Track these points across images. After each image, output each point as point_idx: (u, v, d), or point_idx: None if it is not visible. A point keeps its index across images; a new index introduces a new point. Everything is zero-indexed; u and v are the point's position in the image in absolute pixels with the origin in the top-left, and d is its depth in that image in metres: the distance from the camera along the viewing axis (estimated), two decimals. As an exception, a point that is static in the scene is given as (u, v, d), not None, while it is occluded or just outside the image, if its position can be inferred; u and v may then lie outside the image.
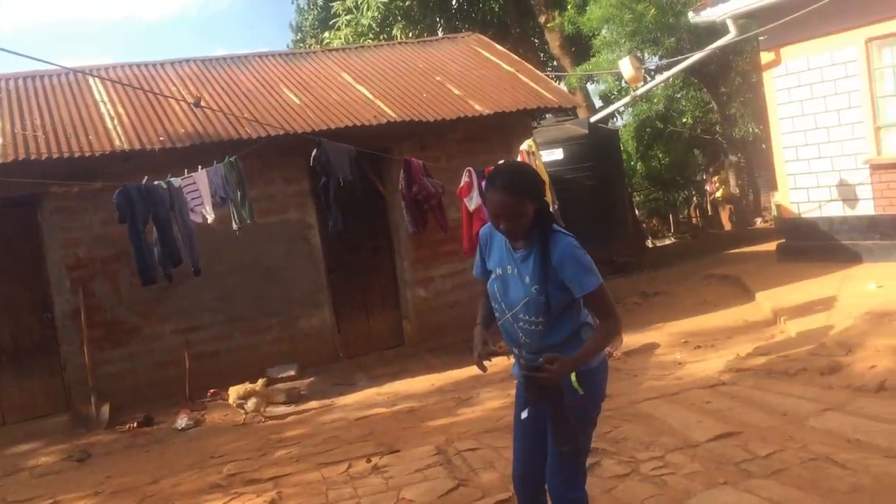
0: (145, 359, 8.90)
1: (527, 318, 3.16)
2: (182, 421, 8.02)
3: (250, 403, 7.80)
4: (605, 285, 3.14)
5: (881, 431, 4.95)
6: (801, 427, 5.27)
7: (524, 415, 3.34)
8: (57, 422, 8.39)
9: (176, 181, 7.42)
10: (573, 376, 3.11)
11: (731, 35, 11.71)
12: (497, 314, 3.29)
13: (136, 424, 8.10)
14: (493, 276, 3.29)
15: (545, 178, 8.98)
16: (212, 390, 8.13)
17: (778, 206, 12.68)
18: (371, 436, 6.76)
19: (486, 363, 3.29)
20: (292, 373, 9.15)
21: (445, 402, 7.64)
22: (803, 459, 4.66)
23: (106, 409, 8.38)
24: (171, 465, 6.74)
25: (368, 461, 5.94)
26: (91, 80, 9.97)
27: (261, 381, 7.99)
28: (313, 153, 8.08)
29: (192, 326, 9.11)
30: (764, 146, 18.85)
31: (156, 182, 7.29)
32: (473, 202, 8.10)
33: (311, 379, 9.04)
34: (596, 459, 5.16)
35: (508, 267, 3.21)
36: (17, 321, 8.59)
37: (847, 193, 10.62)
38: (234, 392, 7.86)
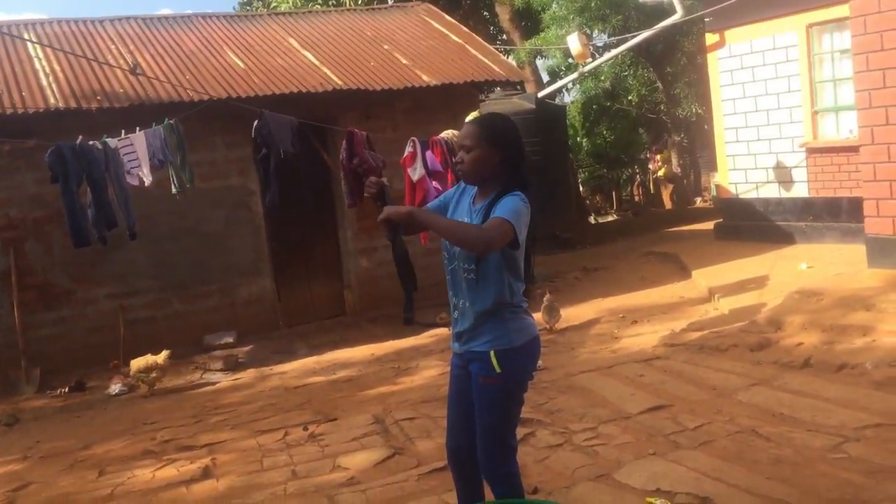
0: (78, 323, 8.71)
1: (463, 265, 3.14)
2: (115, 387, 7.88)
3: (152, 375, 7.64)
4: (511, 230, 2.93)
5: (805, 406, 5.12)
6: (729, 401, 5.41)
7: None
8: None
9: (112, 142, 7.22)
10: (492, 354, 3.09)
11: (678, 15, 11.84)
12: (446, 263, 3.26)
13: (67, 389, 7.94)
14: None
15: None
16: (114, 361, 7.97)
17: (717, 186, 12.94)
18: (309, 404, 6.74)
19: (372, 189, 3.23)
20: (231, 340, 9.06)
21: (385, 371, 7.65)
22: (730, 432, 4.79)
23: (36, 373, 8.19)
24: (102, 431, 6.63)
25: (305, 429, 5.92)
26: (26, 34, 9.61)
27: (163, 354, 7.76)
28: (255, 124, 7.92)
29: (127, 291, 8.93)
30: (706, 127, 19.18)
31: (91, 142, 7.08)
32: (417, 172, 8.06)
33: (250, 346, 8.97)
34: (530, 430, 5.23)
35: (465, 218, 3.19)
36: (-57, 282, 8.32)
37: (783, 176, 10.87)
38: (135, 364, 7.70)
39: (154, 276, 9.07)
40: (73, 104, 8.31)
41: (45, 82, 8.64)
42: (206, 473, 5.21)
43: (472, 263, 3.11)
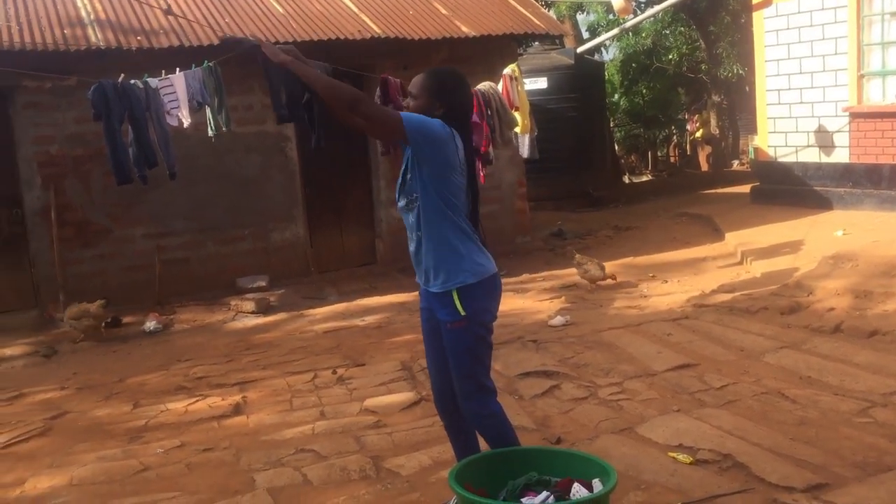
0: (115, 261, 8.85)
1: (404, 199, 3.23)
2: (150, 324, 8.04)
3: (84, 322, 7.71)
4: (397, 116, 3.04)
5: (833, 370, 5.10)
6: (756, 362, 5.41)
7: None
8: (24, 317, 8.37)
9: (153, 82, 7.24)
10: (454, 294, 3.13)
11: (725, -28, 11.52)
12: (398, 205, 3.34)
13: (104, 325, 8.11)
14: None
15: (526, 105, 8.90)
16: (49, 310, 8.04)
17: (755, 149, 12.71)
18: (338, 349, 6.85)
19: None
20: (263, 283, 9.17)
21: (413, 320, 7.69)
22: (756, 393, 4.80)
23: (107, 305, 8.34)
24: (137, 366, 6.80)
25: (334, 372, 6.03)
26: (68, -28, 9.61)
27: (98, 303, 7.79)
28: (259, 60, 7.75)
29: (163, 232, 9.05)
30: (747, 89, 18.77)
31: (132, 81, 7.11)
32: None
33: (282, 291, 9.08)
34: (556, 383, 5.29)
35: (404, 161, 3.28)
36: (-15, 215, 8.48)
37: (824, 140, 10.66)
38: (69, 311, 7.77)
39: (189, 218, 9.18)
40: (113, 43, 8.33)
41: (86, 20, 8.67)
42: (236, 410, 5.35)
43: (410, 194, 3.17)
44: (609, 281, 8.27)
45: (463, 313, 3.14)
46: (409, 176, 3.19)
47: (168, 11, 8.51)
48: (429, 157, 3.09)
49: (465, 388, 3.26)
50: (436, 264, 3.19)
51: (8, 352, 7.49)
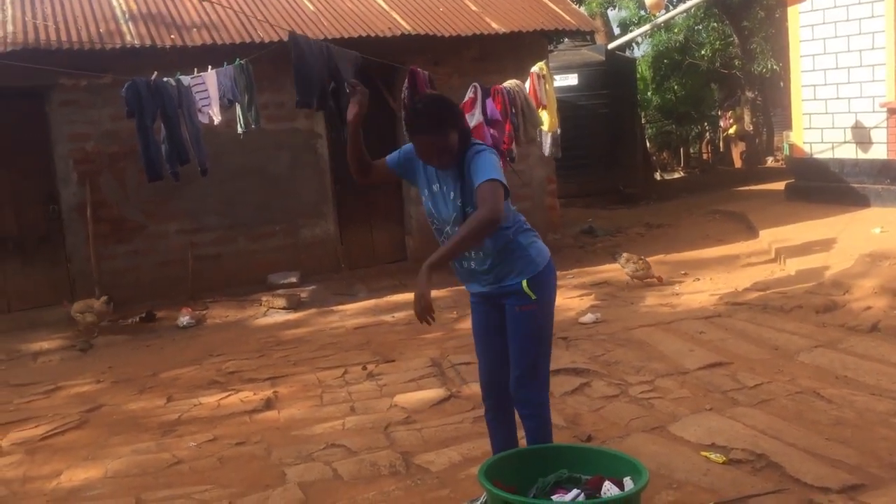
0: (149, 257, 8.96)
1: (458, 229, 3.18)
2: (184, 319, 8.13)
3: (87, 317, 7.84)
4: (501, 185, 3.03)
5: (869, 370, 5.02)
6: (790, 361, 5.34)
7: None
8: (61, 312, 8.49)
9: (185, 79, 7.33)
10: (524, 284, 3.23)
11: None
12: (436, 228, 3.37)
13: (138, 319, 8.22)
14: (424, 195, 3.36)
15: (553, 102, 8.86)
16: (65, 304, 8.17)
17: (790, 146, 12.55)
18: (368, 345, 6.87)
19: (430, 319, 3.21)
20: (294, 280, 9.23)
21: (442, 317, 7.72)
22: (790, 392, 4.74)
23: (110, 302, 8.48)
24: (171, 360, 6.88)
25: (364, 368, 6.05)
26: (103, -29, 9.74)
27: (102, 299, 7.96)
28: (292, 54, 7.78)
29: (196, 228, 9.14)
30: (782, 84, 18.54)
31: (165, 79, 7.20)
32: (474, 119, 7.98)
33: (312, 287, 9.12)
34: (586, 380, 5.26)
35: (435, 186, 3.30)
36: (23, 211, 8.62)
37: (861, 136, 10.49)
38: (76, 305, 7.93)
39: (221, 214, 9.26)
40: (147, 42, 8.43)
41: (121, 19, 8.78)
42: (268, 405, 5.39)
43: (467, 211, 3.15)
44: (654, 280, 8.21)
45: (534, 297, 3.24)
46: (467, 210, 3.16)
47: (203, -1, 8.62)
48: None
49: (524, 373, 3.31)
50: (507, 266, 3.26)
51: (45, 346, 7.62)
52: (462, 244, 3.05)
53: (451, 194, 3.23)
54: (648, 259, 8.65)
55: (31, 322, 8.11)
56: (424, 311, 3.08)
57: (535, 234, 3.37)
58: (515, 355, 3.32)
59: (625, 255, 8.38)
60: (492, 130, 8.13)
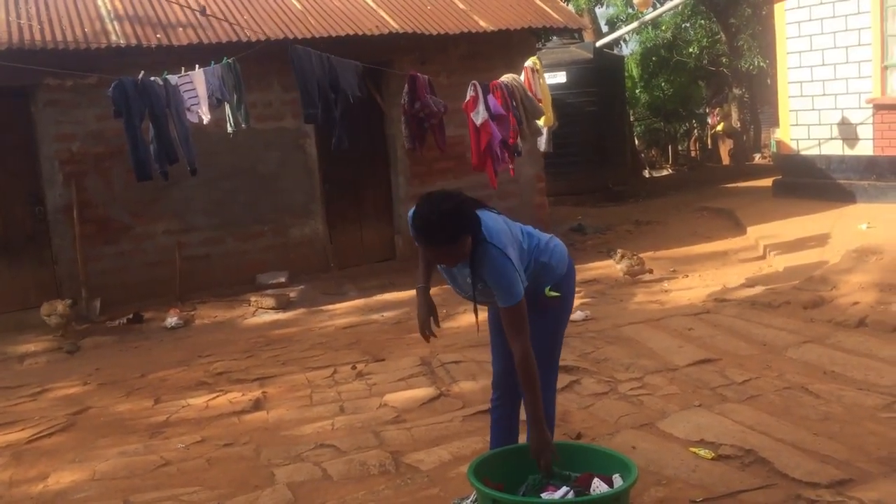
0: (136, 257, 8.91)
1: (483, 299, 3.27)
2: (171, 320, 8.09)
3: (52, 319, 7.84)
4: (521, 306, 3.08)
5: (857, 365, 5.04)
6: (779, 357, 5.36)
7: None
8: (47, 314, 8.45)
9: (173, 79, 7.28)
10: (546, 290, 3.32)
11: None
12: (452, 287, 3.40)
13: (125, 321, 8.18)
14: (440, 266, 3.31)
15: (548, 97, 8.85)
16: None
17: (777, 143, 12.60)
18: (357, 344, 6.86)
19: (431, 334, 3.53)
20: (283, 280, 9.20)
21: (432, 315, 7.71)
22: (778, 388, 4.75)
23: (97, 303, 8.44)
24: (158, 361, 6.85)
25: (353, 368, 6.04)
26: (88, -29, 9.68)
27: (67, 302, 7.94)
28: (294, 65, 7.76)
29: (184, 228, 9.09)
30: (769, 81, 18.61)
31: (152, 78, 7.15)
32: (480, 116, 7.95)
33: (301, 287, 9.09)
34: (576, 378, 5.26)
35: (457, 279, 3.32)
36: (8, 212, 8.55)
37: (847, 132, 10.54)
38: (43, 308, 7.90)
39: (210, 215, 9.21)
40: (133, 41, 8.38)
41: (106, 18, 8.72)
42: (256, 405, 5.37)
43: (490, 297, 3.23)
44: (647, 275, 8.23)
45: (558, 293, 3.36)
46: (480, 286, 3.19)
47: (203, 12, 8.61)
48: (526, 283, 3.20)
49: (545, 369, 3.32)
50: (534, 285, 3.30)
51: (31, 347, 7.57)
52: (536, 396, 3.09)
53: (467, 278, 3.22)
54: (640, 256, 8.70)
55: (18, 324, 8.05)
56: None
57: (549, 238, 3.43)
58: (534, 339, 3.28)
59: (619, 251, 8.39)
60: (497, 126, 8.10)
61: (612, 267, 9.04)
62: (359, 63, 8.13)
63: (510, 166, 8.26)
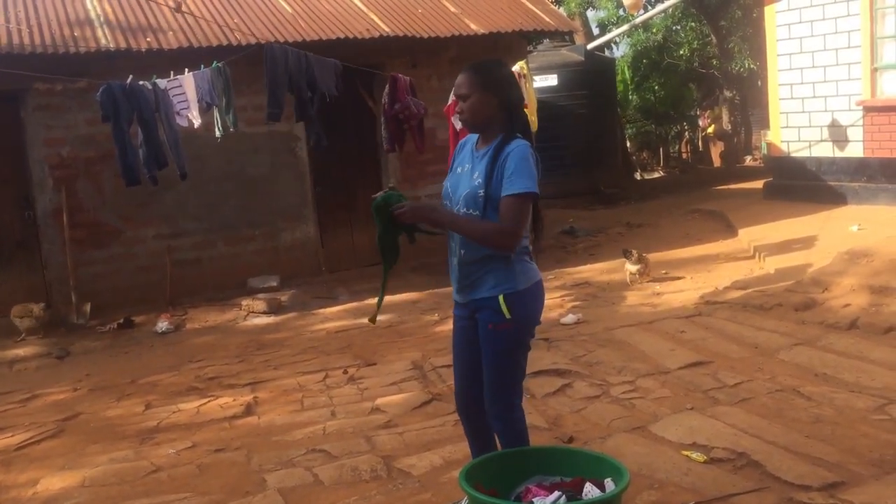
0: (127, 262, 8.88)
1: (465, 210, 3.11)
2: (162, 325, 8.06)
3: (25, 322, 7.87)
4: (530, 198, 3.01)
5: (848, 367, 5.05)
6: (771, 359, 5.37)
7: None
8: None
9: (162, 83, 7.26)
10: (501, 298, 3.09)
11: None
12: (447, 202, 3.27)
13: (115, 326, 8.14)
14: (449, 177, 3.28)
15: (534, 102, 8.86)
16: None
17: (768, 145, 12.63)
18: (349, 348, 6.84)
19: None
20: (274, 284, 9.18)
21: (424, 319, 7.72)
22: (770, 390, 4.76)
23: (87, 308, 8.40)
24: (149, 367, 6.82)
25: (345, 372, 6.02)
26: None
27: (40, 306, 7.97)
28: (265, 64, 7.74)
29: (174, 233, 9.07)
30: (759, 83, 18.68)
31: (141, 82, 7.13)
32: (459, 121, 7.98)
33: (293, 291, 9.07)
34: (568, 381, 5.26)
35: (467, 165, 3.22)
36: (-2, 217, 8.53)
37: (838, 134, 10.58)
38: (14, 310, 7.92)
39: (200, 219, 9.19)
40: (122, 44, 8.35)
41: (96, 22, 8.69)
42: (248, 410, 5.35)
43: (477, 210, 3.09)
44: (657, 272, 8.41)
45: (508, 317, 3.10)
46: (481, 192, 3.07)
47: (178, 9, 8.58)
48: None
49: (497, 390, 3.21)
50: (485, 273, 3.13)
51: (21, 353, 7.53)
52: (463, 227, 3.05)
53: (476, 173, 3.12)
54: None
55: (7, 329, 8.00)
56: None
57: (530, 255, 3.23)
58: (486, 372, 3.22)
59: (635, 253, 8.36)
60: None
61: (601, 270, 9.06)
62: (338, 62, 8.11)
63: None
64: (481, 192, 3.07)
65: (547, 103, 12.83)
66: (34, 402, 6.09)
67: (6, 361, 7.36)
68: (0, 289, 8.42)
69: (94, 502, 4.10)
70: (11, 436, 5.22)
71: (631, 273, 8.24)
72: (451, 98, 8.08)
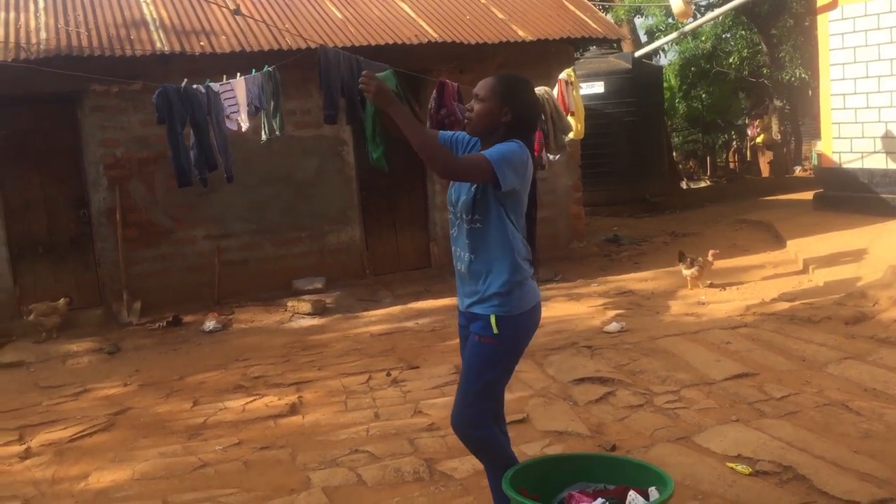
0: (177, 261, 9.06)
1: (465, 216, 3.10)
2: (210, 323, 8.20)
3: (51, 320, 7.94)
4: (489, 163, 2.90)
5: (899, 383, 4.95)
6: (819, 373, 5.29)
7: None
8: (90, 315, 8.61)
9: (215, 86, 7.41)
10: (492, 318, 3.06)
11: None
12: (451, 216, 3.25)
13: (165, 324, 8.31)
14: (452, 184, 3.23)
15: (581, 109, 8.84)
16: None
17: (819, 155, 12.45)
18: (392, 351, 6.89)
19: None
20: (319, 286, 9.28)
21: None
22: (818, 404, 4.69)
23: (137, 305, 8.59)
24: (197, 364, 6.95)
25: (388, 374, 6.07)
26: (134, -21, 9.88)
27: (62, 301, 8.05)
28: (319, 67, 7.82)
29: (223, 234, 9.22)
30: (810, 93, 18.40)
31: (195, 86, 7.28)
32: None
33: (337, 293, 9.16)
34: (611, 389, 5.25)
35: None
36: (54, 215, 8.75)
37: (891, 146, 10.37)
38: (36, 308, 7.96)
39: (248, 220, 9.34)
40: (177, 47, 8.53)
41: (151, 26, 8.90)
42: (292, 409, 5.43)
43: (476, 214, 3.07)
44: (715, 278, 8.37)
45: (496, 332, 3.07)
46: (478, 196, 3.05)
47: (237, 12, 8.76)
48: (512, 186, 2.99)
49: (462, 403, 3.16)
50: (486, 288, 3.10)
51: (74, 348, 7.72)
52: (409, 126, 2.99)
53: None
54: (674, 268, 8.65)
55: (62, 325, 8.21)
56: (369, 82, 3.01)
57: (530, 274, 3.15)
58: (460, 381, 3.20)
59: (689, 257, 8.32)
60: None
61: (645, 279, 9.00)
62: (387, 65, 8.19)
63: None
64: (476, 196, 3.05)
65: (594, 111, 12.79)
66: (86, 397, 6.25)
67: (59, 356, 7.55)
68: (54, 287, 8.64)
69: (144, 495, 4.20)
70: (64, 429, 5.36)
71: (691, 277, 8.21)
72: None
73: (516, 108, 3.09)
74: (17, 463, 4.83)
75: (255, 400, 5.70)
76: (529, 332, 3.20)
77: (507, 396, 5.19)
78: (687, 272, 8.23)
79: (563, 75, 8.68)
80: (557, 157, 8.90)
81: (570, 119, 8.64)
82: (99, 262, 8.82)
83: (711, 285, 8.25)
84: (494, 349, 3.11)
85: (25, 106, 8.50)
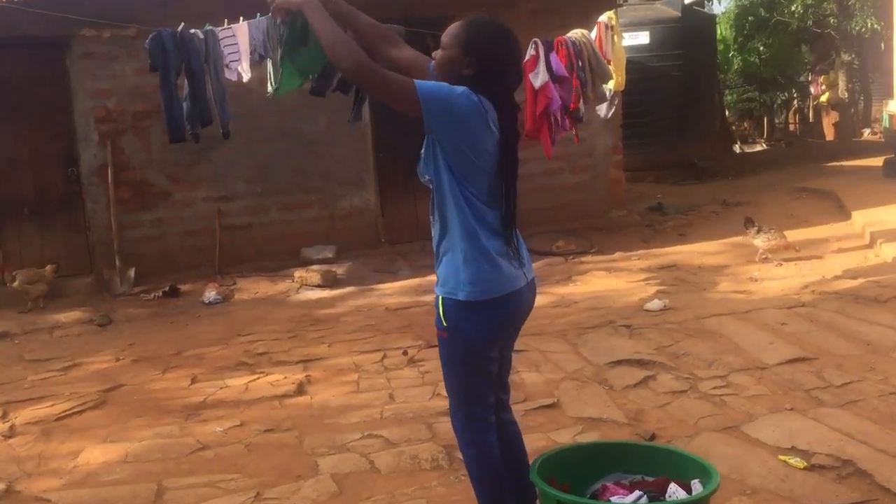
0: (174, 226, 9.12)
1: (426, 178, 2.97)
2: (210, 294, 8.27)
3: (37, 288, 8.01)
4: (412, 88, 2.71)
5: (975, 371, 4.91)
6: (885, 358, 5.24)
7: None
8: (79, 283, 8.71)
9: (215, 31, 7.38)
10: (440, 302, 2.90)
11: None
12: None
13: (161, 293, 8.39)
14: None
15: (622, 60, 8.72)
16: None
17: (891, 117, 12.26)
18: (409, 328, 6.92)
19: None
20: (330, 255, 9.31)
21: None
22: (883, 393, 4.66)
23: (131, 273, 8.68)
24: (195, 338, 7.02)
25: (405, 353, 6.10)
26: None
27: (49, 268, 8.13)
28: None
29: (225, 195, 9.26)
30: (883, 46, 18.07)
31: (192, 30, 7.26)
32: (539, 78, 7.86)
33: (350, 263, 9.20)
34: (652, 373, 5.24)
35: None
36: (40, 173, 8.82)
37: (974, 106, 10.20)
38: (21, 275, 8.04)
39: (253, 181, 9.36)
40: (175, -11, 8.53)
41: (147, -35, 8.89)
42: (300, 389, 5.47)
43: (426, 171, 2.94)
44: (792, 251, 8.22)
45: (445, 324, 2.91)
46: (427, 150, 2.90)
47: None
48: (447, 134, 2.78)
49: (452, 412, 3.12)
50: (442, 263, 2.95)
51: (62, 318, 7.83)
52: (319, 23, 2.91)
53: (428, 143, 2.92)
54: (725, 241, 8.58)
55: (49, 293, 8.31)
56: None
57: (494, 258, 2.85)
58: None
59: (757, 224, 8.26)
60: (558, 89, 8.03)
61: (691, 252, 8.95)
62: (401, 28, 8.11)
63: (574, 132, 8.16)
64: (422, 148, 2.91)
65: (637, 64, 12.66)
66: (75, 371, 6.33)
67: (46, 327, 7.66)
68: (41, 251, 8.73)
69: (137, 478, 4.25)
70: (52, 405, 5.44)
71: (760, 249, 8.11)
72: (530, 54, 8.03)
73: (482, 60, 2.83)
74: (0, 442, 4.91)
75: (258, 378, 5.75)
76: (489, 328, 2.91)
77: (536, 378, 5.26)
78: (760, 241, 8.11)
79: (603, 18, 8.54)
80: (603, 109, 8.79)
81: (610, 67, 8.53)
82: (89, 225, 8.90)
83: (786, 259, 8.15)
84: (448, 345, 2.96)
85: (9, 51, 8.53)
